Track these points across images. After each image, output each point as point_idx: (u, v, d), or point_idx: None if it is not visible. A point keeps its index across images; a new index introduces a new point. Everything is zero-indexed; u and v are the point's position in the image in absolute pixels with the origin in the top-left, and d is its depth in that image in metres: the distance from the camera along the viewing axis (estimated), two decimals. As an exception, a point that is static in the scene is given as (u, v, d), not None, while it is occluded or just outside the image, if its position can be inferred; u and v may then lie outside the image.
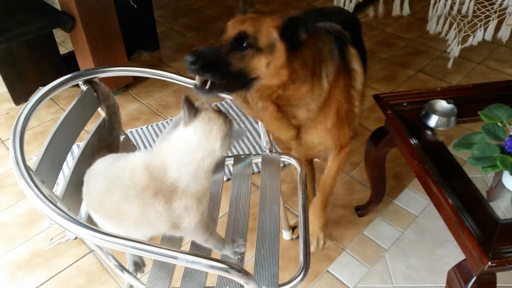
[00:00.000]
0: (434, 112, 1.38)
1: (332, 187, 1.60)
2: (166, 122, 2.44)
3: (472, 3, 2.44)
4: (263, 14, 1.20)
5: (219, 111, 0.98)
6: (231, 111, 2.48)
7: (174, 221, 0.98)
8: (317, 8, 1.92)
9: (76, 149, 1.99)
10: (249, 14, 1.19)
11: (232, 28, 1.13)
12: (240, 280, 0.90)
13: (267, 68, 1.12)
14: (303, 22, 1.15)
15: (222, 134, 0.95)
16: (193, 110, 0.95)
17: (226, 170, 1.44)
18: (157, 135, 2.34)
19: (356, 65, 1.46)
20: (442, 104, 1.40)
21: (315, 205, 1.65)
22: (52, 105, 2.60)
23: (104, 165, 1.04)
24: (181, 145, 0.95)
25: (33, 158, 2.11)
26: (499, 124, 1.18)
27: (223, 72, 1.08)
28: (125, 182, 0.96)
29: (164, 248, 0.84)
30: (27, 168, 0.87)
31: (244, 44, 1.10)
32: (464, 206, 1.10)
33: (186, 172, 0.94)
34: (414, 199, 1.93)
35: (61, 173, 1.04)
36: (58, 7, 2.44)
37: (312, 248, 1.69)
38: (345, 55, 1.41)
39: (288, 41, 1.14)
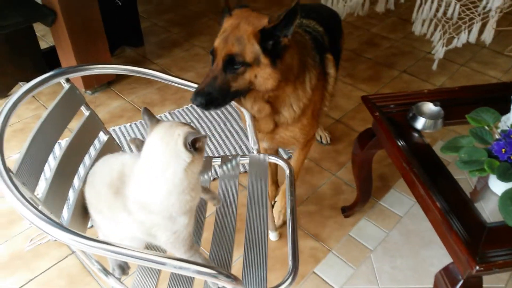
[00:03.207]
0: (421, 114, 1.38)
1: (298, 175, 1.78)
2: (150, 120, 2.39)
3: (458, 6, 2.47)
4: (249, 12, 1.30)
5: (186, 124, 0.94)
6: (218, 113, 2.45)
7: (145, 230, 0.95)
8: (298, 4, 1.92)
9: (58, 148, 1.93)
10: (231, 20, 1.28)
11: (221, 50, 1.24)
12: (228, 285, 0.88)
13: (256, 78, 1.26)
14: (279, 28, 1.22)
15: (185, 135, 0.87)
16: (154, 119, 0.93)
17: (212, 170, 1.43)
18: (140, 133, 2.30)
19: (332, 69, 1.58)
20: (429, 107, 1.40)
21: (283, 189, 1.82)
22: (33, 101, 2.52)
23: (101, 164, 1.07)
24: (144, 157, 0.91)
25: (12, 156, 2.05)
26: (486, 127, 1.19)
27: (225, 96, 1.25)
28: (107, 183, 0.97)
29: (151, 254, 0.81)
30: (7, 169, 0.84)
31: (235, 66, 1.23)
32: (451, 209, 1.10)
33: (146, 186, 0.90)
34: (399, 200, 1.95)
35: (42, 174, 1.00)
36: (38, 0, 2.37)
37: (276, 221, 1.81)
38: (324, 61, 1.55)
39: (270, 51, 1.24)
